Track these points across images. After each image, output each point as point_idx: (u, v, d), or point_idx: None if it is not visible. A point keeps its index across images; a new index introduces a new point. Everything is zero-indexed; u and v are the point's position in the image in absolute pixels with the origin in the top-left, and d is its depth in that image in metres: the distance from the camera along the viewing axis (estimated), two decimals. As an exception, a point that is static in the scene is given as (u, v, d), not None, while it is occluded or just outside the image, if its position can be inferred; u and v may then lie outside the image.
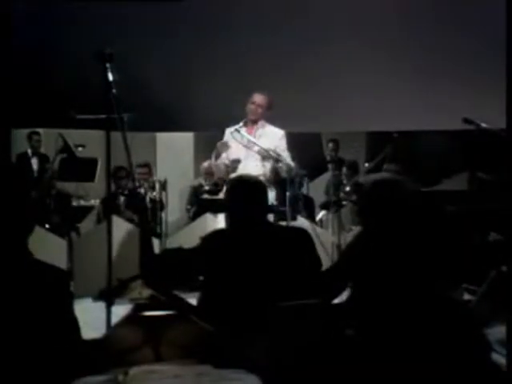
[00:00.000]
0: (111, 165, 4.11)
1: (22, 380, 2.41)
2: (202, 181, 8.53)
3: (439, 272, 3.09)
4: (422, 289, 3.04)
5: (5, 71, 6.43)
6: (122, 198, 7.64)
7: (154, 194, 7.47)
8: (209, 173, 7.99)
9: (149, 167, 8.12)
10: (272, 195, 5.66)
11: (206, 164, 8.26)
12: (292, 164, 5.69)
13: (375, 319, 3.00)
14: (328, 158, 9.30)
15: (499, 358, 2.96)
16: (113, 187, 7.56)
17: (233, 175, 5.46)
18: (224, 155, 5.73)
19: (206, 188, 8.27)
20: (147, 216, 7.22)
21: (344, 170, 8.22)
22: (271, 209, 4.84)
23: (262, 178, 5.50)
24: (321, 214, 8.20)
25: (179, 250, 3.66)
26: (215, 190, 7.84)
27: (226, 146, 5.71)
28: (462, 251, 3.31)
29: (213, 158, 5.84)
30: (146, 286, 3.32)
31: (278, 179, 5.84)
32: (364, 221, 3.29)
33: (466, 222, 4.99)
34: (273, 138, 5.78)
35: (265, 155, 5.67)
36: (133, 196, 7.46)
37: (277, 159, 5.66)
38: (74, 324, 2.58)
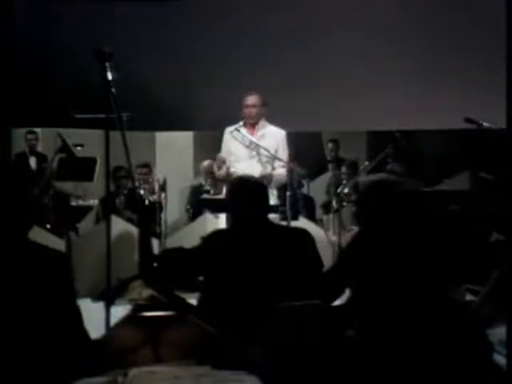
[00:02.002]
0: (110, 164, 4.09)
1: (26, 368, 2.41)
2: (201, 180, 8.51)
3: (439, 272, 3.07)
4: (423, 289, 3.02)
5: (4, 71, 6.42)
6: (121, 198, 7.62)
7: (154, 197, 7.45)
8: (209, 172, 7.96)
9: (149, 167, 8.10)
10: (274, 195, 5.63)
11: (205, 163, 8.24)
12: (294, 166, 5.68)
13: (376, 320, 2.98)
14: (328, 157, 9.28)
15: (501, 359, 2.94)
16: (112, 187, 7.55)
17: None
18: (227, 163, 5.68)
19: (207, 188, 8.24)
20: (146, 216, 7.20)
21: (344, 169, 8.20)
22: (272, 209, 4.82)
23: (264, 180, 5.47)
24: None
25: (180, 250, 3.64)
26: (217, 191, 7.84)
27: (223, 161, 5.67)
28: (463, 251, 3.30)
29: (215, 168, 5.80)
30: (147, 286, 3.30)
31: (278, 184, 5.79)
32: (361, 222, 3.28)
33: (468, 222, 4.97)
34: (275, 138, 5.73)
35: (267, 156, 5.63)
36: (132, 196, 7.44)
37: (276, 158, 5.64)
38: (75, 310, 2.59)
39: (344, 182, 7.74)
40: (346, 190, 7.05)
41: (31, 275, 2.51)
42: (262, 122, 5.75)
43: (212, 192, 8.07)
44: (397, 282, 3.01)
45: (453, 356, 2.84)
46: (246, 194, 3.52)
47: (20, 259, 2.53)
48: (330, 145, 9.26)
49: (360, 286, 3.12)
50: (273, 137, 5.73)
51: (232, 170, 5.67)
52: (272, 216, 4.59)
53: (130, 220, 6.88)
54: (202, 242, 3.53)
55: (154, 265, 3.75)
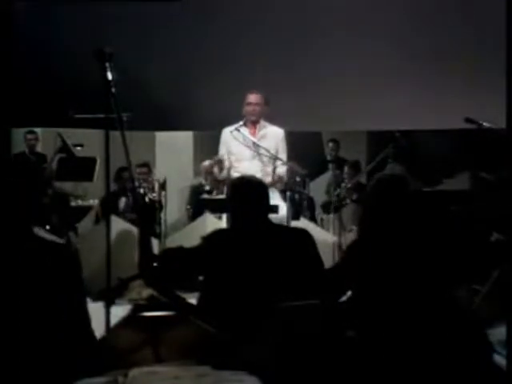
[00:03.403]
0: (110, 164, 4.08)
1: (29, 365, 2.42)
2: (202, 180, 8.50)
3: (444, 272, 3.07)
4: (426, 289, 3.02)
5: (4, 71, 6.41)
6: (123, 200, 7.61)
7: (154, 194, 7.44)
8: (209, 172, 7.96)
9: (148, 167, 8.10)
10: (276, 195, 5.62)
11: (206, 163, 8.23)
12: (295, 167, 5.67)
13: (377, 320, 2.98)
14: (328, 157, 9.28)
15: (500, 359, 2.94)
16: (114, 187, 7.56)
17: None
18: (225, 163, 5.67)
19: (207, 188, 8.24)
20: (147, 215, 7.19)
21: (346, 169, 8.20)
22: (273, 209, 4.82)
23: (267, 179, 5.45)
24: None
25: (180, 250, 3.64)
26: (219, 191, 7.84)
27: (221, 162, 5.66)
28: (465, 252, 3.30)
29: (216, 170, 5.78)
30: (147, 286, 3.30)
31: (280, 185, 5.78)
32: (371, 217, 3.26)
33: (468, 222, 4.97)
34: (275, 138, 5.72)
35: (268, 156, 5.62)
36: (135, 197, 7.43)
37: (277, 158, 5.63)
38: (82, 303, 2.61)
39: (345, 181, 7.74)
40: (348, 185, 7.06)
41: (39, 270, 2.51)
42: (263, 122, 5.74)
43: (215, 192, 8.06)
44: (401, 281, 3.01)
45: (453, 356, 2.84)
46: (247, 193, 3.51)
47: (27, 254, 2.53)
48: (331, 144, 9.26)
49: (363, 284, 3.11)
50: (274, 137, 5.72)
51: (233, 170, 5.66)
52: (275, 216, 4.60)
53: (132, 221, 6.86)
54: (202, 242, 3.53)
55: (154, 264, 3.75)
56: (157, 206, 7.35)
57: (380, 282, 3.04)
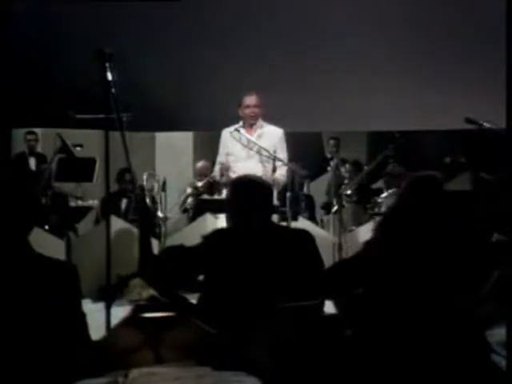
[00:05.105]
0: (110, 165, 4.09)
1: (28, 377, 2.41)
2: (195, 181, 8.50)
3: (455, 274, 3.05)
4: (435, 290, 3.00)
5: (4, 71, 6.42)
6: (124, 201, 7.60)
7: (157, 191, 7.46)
8: (203, 174, 7.99)
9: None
10: (273, 195, 5.62)
11: (200, 164, 8.26)
12: (295, 167, 5.67)
13: (379, 319, 2.98)
14: (329, 155, 9.28)
15: (500, 360, 2.94)
16: (113, 188, 7.55)
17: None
18: (230, 170, 5.68)
19: (198, 186, 8.22)
20: (147, 216, 7.20)
21: (347, 167, 8.21)
22: (273, 209, 4.82)
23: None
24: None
25: (180, 249, 3.63)
26: (206, 191, 7.85)
27: (227, 169, 5.67)
28: (473, 252, 3.28)
29: (217, 176, 5.78)
30: (148, 286, 3.30)
31: (280, 186, 5.78)
32: (397, 217, 3.22)
33: (469, 223, 4.96)
34: (272, 137, 5.72)
35: (266, 155, 5.62)
36: (136, 198, 7.43)
37: (275, 157, 5.62)
38: (81, 319, 2.59)
39: (346, 181, 7.74)
40: (348, 192, 7.05)
41: (39, 288, 2.48)
42: (260, 122, 5.74)
43: (205, 193, 8.07)
44: (416, 282, 2.99)
45: (452, 356, 2.84)
46: (250, 193, 3.50)
47: (27, 272, 2.50)
48: (332, 142, 9.27)
49: (375, 284, 3.08)
50: (270, 136, 5.72)
51: (231, 171, 5.65)
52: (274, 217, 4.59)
53: (134, 222, 6.85)
54: (203, 241, 3.52)
55: (155, 264, 3.74)
56: (157, 207, 7.36)
57: (394, 282, 3.01)
